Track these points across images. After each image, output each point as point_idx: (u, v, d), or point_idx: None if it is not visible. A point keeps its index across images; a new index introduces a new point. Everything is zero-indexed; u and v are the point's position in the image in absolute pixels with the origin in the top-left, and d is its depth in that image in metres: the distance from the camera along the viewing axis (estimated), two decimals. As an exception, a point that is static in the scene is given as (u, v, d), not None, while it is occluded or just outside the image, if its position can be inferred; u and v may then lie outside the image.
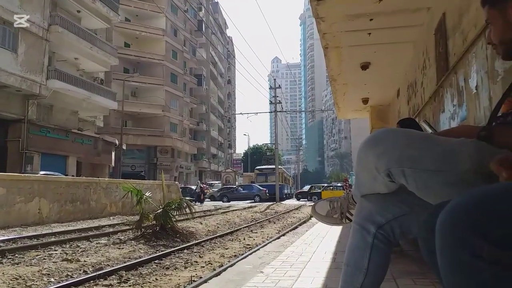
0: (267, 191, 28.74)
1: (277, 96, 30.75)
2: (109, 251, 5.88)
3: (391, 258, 1.15)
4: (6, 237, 7.06)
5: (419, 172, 0.94)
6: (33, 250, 5.87)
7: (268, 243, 6.36)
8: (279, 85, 33.44)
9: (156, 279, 4.15)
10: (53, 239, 7.10)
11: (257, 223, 10.97)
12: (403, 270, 2.99)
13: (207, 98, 54.39)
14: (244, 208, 18.09)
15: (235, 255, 5.60)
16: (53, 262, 4.97)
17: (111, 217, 12.81)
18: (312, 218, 9.93)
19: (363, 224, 1.12)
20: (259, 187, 29.85)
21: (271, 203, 24.43)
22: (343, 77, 6.73)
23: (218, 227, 9.89)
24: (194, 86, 49.41)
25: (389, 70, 6.42)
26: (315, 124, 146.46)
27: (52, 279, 4.14)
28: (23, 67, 18.35)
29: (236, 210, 16.88)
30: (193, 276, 4.21)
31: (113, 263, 5.00)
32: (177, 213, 7.73)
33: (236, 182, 41.00)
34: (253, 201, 27.80)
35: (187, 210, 7.94)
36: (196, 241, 6.91)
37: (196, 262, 5.15)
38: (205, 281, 3.49)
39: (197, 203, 19.92)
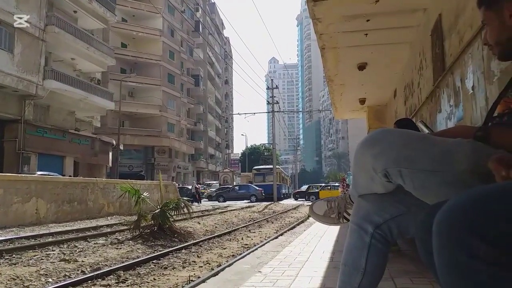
0: (263, 191, 28.75)
1: (275, 97, 30.79)
2: (107, 251, 5.87)
3: (389, 258, 1.16)
4: (3, 238, 7.04)
5: (416, 172, 0.95)
6: (31, 251, 5.85)
7: (266, 242, 6.35)
8: (277, 85, 33.46)
9: (154, 279, 4.15)
10: (50, 239, 7.08)
11: (255, 223, 10.97)
12: (400, 269, 3.01)
13: (204, 99, 54.37)
14: (242, 208, 18.08)
15: (233, 255, 5.60)
16: (51, 262, 4.96)
17: (108, 217, 12.77)
18: (309, 218, 9.94)
19: (360, 224, 1.13)
20: (255, 187, 29.86)
21: (269, 202, 24.42)
22: (340, 78, 6.75)
23: (216, 227, 9.89)
24: (192, 86, 49.34)
25: (386, 70, 6.44)
26: (313, 124, 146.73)
27: (50, 279, 4.13)
28: (19, 67, 18.29)
29: (234, 210, 16.86)
30: (191, 276, 4.21)
31: (111, 263, 4.99)
32: (175, 213, 7.74)
33: (234, 182, 40.99)
34: (249, 201, 27.81)
35: (185, 210, 7.96)
36: (194, 241, 6.91)
37: (194, 262, 5.15)
38: (203, 281, 3.49)
39: (194, 203, 19.92)
